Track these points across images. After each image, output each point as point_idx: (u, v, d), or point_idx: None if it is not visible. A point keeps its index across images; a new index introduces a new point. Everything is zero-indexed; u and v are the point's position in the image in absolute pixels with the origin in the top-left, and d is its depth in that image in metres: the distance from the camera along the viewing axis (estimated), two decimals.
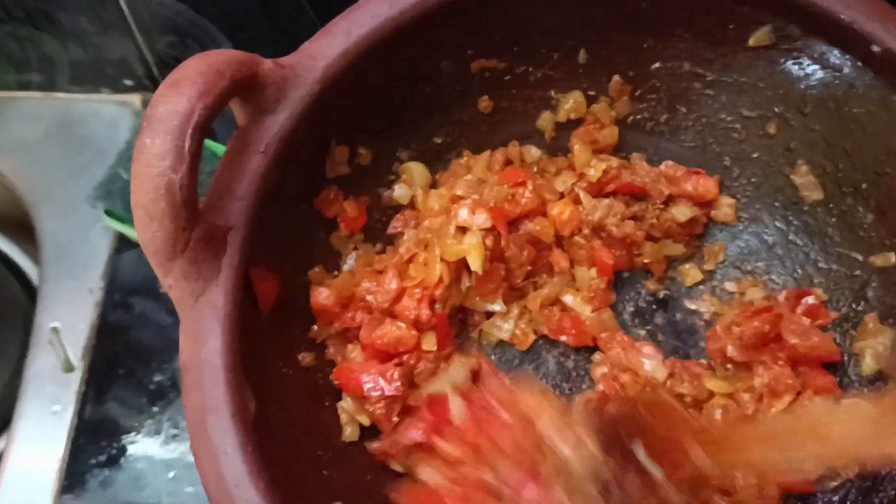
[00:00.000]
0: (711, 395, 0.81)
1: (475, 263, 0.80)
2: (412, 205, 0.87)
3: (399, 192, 0.86)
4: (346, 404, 0.79)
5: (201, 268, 0.63)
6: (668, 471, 0.68)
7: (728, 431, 0.71)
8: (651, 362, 0.82)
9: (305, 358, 0.78)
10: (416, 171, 0.86)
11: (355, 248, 0.83)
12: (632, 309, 0.89)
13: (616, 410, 0.71)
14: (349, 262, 0.83)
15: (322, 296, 0.79)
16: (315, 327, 0.80)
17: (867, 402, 0.60)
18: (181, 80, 0.59)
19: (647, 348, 0.84)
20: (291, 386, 0.74)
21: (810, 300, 0.82)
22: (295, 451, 0.70)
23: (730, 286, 0.87)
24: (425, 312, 0.79)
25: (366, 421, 0.79)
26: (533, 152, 0.89)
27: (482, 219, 0.80)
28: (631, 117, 0.88)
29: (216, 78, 0.60)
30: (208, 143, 0.95)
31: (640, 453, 0.69)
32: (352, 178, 0.81)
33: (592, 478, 0.67)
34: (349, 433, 0.78)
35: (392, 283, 0.79)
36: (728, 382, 0.81)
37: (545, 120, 0.89)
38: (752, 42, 0.79)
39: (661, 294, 0.89)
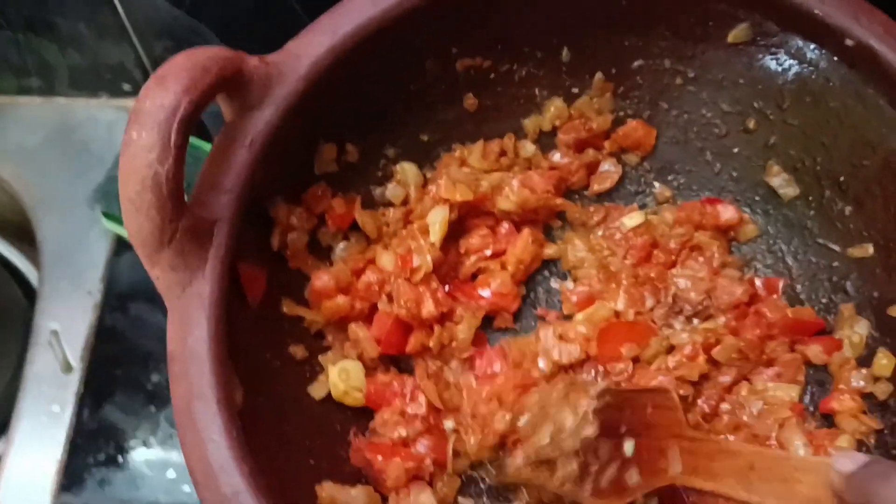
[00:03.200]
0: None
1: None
2: (405, 203, 0.88)
3: (392, 191, 0.87)
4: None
5: (188, 259, 0.64)
6: (644, 474, 0.73)
7: (711, 456, 0.72)
8: None
9: (297, 351, 0.79)
10: (409, 171, 0.87)
11: (345, 238, 0.84)
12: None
13: (626, 398, 0.74)
14: (338, 252, 0.84)
15: (321, 281, 0.80)
16: (308, 318, 0.81)
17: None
18: (167, 75, 0.61)
19: None
20: (281, 377, 0.75)
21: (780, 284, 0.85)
22: (282, 440, 0.71)
23: None
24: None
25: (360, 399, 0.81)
26: (528, 147, 0.90)
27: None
28: (614, 114, 0.89)
29: (202, 73, 0.62)
30: (199, 142, 0.96)
31: (629, 449, 0.73)
32: (340, 175, 0.82)
33: (579, 454, 0.71)
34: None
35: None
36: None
37: (532, 122, 0.90)
38: (730, 39, 0.80)
39: None
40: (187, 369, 0.63)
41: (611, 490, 0.73)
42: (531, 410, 0.75)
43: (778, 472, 0.67)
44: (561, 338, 0.83)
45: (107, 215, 1.02)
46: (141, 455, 0.96)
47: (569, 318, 0.87)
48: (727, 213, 0.86)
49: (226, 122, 0.69)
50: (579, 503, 0.73)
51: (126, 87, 1.12)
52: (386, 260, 0.83)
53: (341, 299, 0.81)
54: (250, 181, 0.68)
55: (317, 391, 0.80)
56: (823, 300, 0.84)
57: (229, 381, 0.65)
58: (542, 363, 0.82)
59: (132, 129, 0.60)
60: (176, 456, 0.95)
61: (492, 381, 0.82)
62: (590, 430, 0.71)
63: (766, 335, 0.81)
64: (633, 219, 0.88)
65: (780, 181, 0.85)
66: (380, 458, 0.77)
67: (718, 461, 0.71)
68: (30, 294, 1.15)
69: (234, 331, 0.67)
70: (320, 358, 0.81)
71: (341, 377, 0.80)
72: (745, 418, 0.79)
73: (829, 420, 0.81)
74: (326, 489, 0.72)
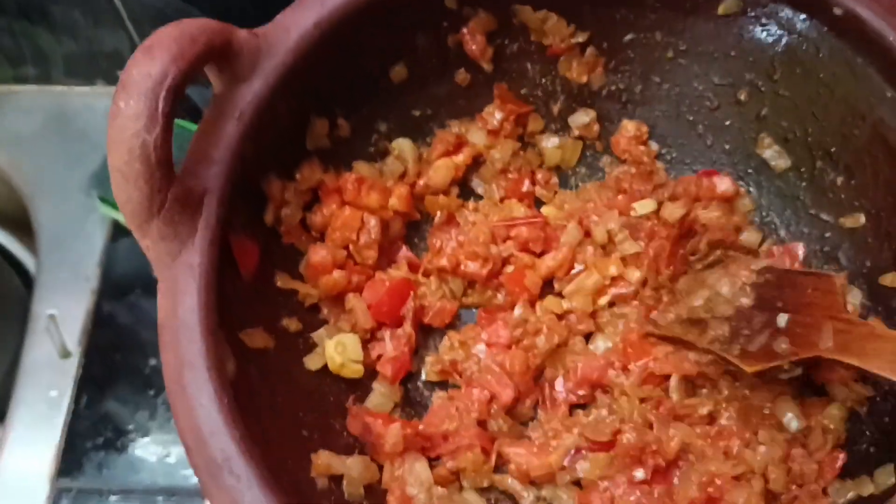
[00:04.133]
0: None
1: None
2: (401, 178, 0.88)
3: (391, 166, 0.87)
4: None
5: (178, 229, 0.64)
6: (794, 344, 0.75)
7: (864, 338, 0.72)
8: None
9: (291, 324, 0.79)
10: (405, 146, 0.88)
11: None
12: None
13: (788, 278, 0.77)
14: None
15: (318, 256, 0.80)
16: (302, 292, 0.81)
17: None
18: (154, 45, 0.61)
19: None
20: (273, 349, 0.75)
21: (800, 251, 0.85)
22: (275, 412, 0.71)
23: None
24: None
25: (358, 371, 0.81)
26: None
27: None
28: (605, 88, 0.90)
29: (189, 43, 0.62)
30: (189, 124, 0.97)
31: (782, 321, 0.75)
32: (331, 150, 0.83)
33: (731, 320, 0.77)
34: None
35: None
36: None
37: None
38: (721, 10, 0.81)
39: None
40: (178, 338, 0.64)
41: (759, 355, 0.75)
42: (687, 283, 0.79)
43: None
44: None
45: (104, 200, 1.03)
46: (139, 439, 0.95)
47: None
48: (723, 184, 0.86)
49: (214, 94, 0.70)
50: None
51: (121, 73, 1.12)
52: None
53: (338, 274, 0.81)
54: (240, 153, 0.68)
55: (313, 363, 0.80)
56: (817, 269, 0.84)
57: (220, 350, 0.65)
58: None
59: (119, 98, 0.60)
60: (174, 439, 0.95)
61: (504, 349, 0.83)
62: (745, 300, 0.76)
63: None
64: (644, 206, 0.88)
65: (772, 153, 0.85)
66: (379, 421, 0.77)
67: (870, 343, 0.71)
68: (27, 282, 1.15)
69: (226, 302, 0.67)
70: (314, 334, 0.81)
71: (338, 350, 0.80)
72: (746, 391, 0.79)
73: (818, 389, 0.81)
74: (322, 457, 0.72)
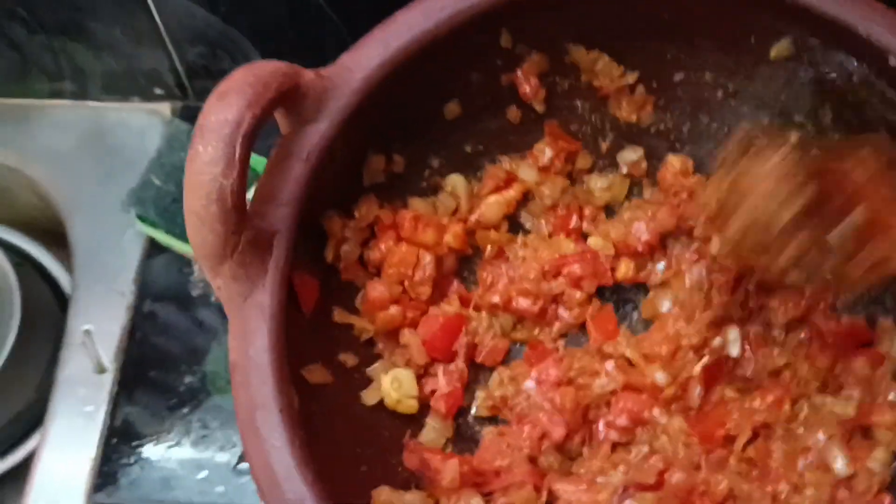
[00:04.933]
0: None
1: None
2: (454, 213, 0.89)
3: (444, 201, 0.88)
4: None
5: (249, 270, 0.65)
6: (857, 247, 0.67)
7: None
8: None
9: (348, 359, 0.80)
10: (458, 182, 0.89)
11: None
12: None
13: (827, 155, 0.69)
14: None
15: (376, 291, 0.81)
16: (358, 326, 0.82)
17: None
18: (229, 90, 0.62)
19: None
20: (332, 384, 0.77)
21: None
22: (335, 447, 0.73)
23: None
24: None
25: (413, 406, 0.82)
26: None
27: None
28: (654, 126, 0.90)
29: (263, 89, 0.63)
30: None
31: (854, 220, 0.66)
32: (386, 185, 0.84)
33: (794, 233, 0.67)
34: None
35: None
36: None
37: None
38: (773, 54, 0.81)
39: None
40: (248, 379, 0.64)
41: (852, 269, 0.67)
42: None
43: None
44: None
45: (141, 218, 1.03)
46: (174, 456, 0.96)
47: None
48: None
49: (282, 134, 0.71)
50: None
51: (158, 91, 1.13)
52: None
53: (394, 309, 0.82)
54: (306, 194, 0.69)
55: (370, 398, 0.81)
56: (861, 313, 0.84)
57: (288, 389, 0.66)
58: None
59: (197, 143, 0.61)
60: (209, 456, 0.96)
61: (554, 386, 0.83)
62: (799, 200, 0.66)
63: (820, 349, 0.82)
64: None
65: None
66: (438, 457, 0.78)
67: None
68: (61, 298, 1.16)
69: (289, 339, 0.68)
70: (369, 369, 0.82)
71: (394, 386, 0.81)
72: (800, 430, 0.80)
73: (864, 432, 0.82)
74: (383, 494, 0.73)
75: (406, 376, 0.82)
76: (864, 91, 0.79)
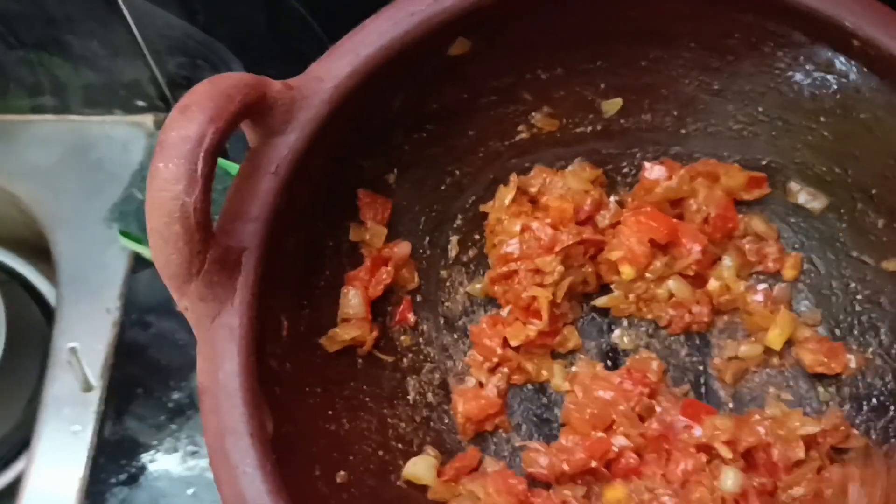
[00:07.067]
0: None
1: None
2: None
3: None
4: None
5: (216, 290, 0.63)
6: None
7: None
8: None
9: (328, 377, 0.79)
10: None
11: None
12: None
13: None
14: None
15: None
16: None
17: None
18: (191, 104, 0.60)
19: None
20: (311, 404, 0.75)
21: None
22: (311, 469, 0.71)
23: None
24: None
25: None
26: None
27: None
28: (638, 126, 0.88)
29: (226, 102, 0.60)
30: (221, 161, 0.96)
31: None
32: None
33: None
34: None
35: None
36: None
37: None
38: (756, 49, 0.79)
39: None
40: (218, 403, 0.62)
41: None
42: None
43: None
44: None
45: (124, 233, 1.02)
46: (162, 473, 0.95)
47: None
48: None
49: (250, 147, 0.69)
50: None
51: (140, 103, 1.12)
52: None
53: None
54: (276, 208, 0.67)
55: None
56: (859, 313, 0.83)
57: (260, 412, 0.64)
58: None
59: (158, 160, 0.59)
60: (197, 473, 0.94)
61: None
62: None
63: None
64: None
65: (805, 197, 0.85)
66: None
67: None
68: (48, 314, 1.15)
69: (265, 360, 0.67)
70: None
71: None
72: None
73: None
74: None
75: None
76: (853, 86, 0.77)
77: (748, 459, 0.79)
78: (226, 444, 0.62)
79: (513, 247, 0.85)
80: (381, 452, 0.79)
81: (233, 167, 0.95)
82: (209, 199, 0.60)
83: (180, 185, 0.58)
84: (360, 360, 0.82)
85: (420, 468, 0.80)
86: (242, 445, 0.61)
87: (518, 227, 0.86)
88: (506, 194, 0.87)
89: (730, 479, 0.76)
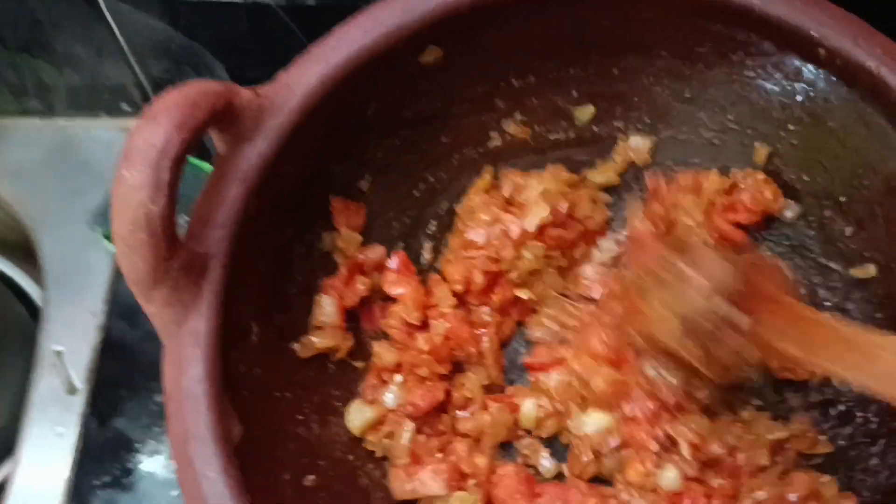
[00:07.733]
0: None
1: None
2: None
3: None
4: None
5: (183, 296, 0.64)
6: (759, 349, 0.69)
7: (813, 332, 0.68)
8: None
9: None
10: None
11: None
12: None
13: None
14: None
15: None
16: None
17: None
18: (158, 112, 0.60)
19: None
20: (281, 409, 0.75)
21: None
22: (279, 473, 0.72)
23: None
24: None
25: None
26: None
27: None
28: (611, 133, 0.89)
29: (192, 109, 0.61)
30: (201, 164, 0.96)
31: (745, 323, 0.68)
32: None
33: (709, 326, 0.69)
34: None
35: None
36: None
37: None
38: (726, 59, 0.80)
39: None
40: (182, 409, 0.63)
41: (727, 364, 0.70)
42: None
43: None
44: None
45: (108, 237, 1.02)
46: (147, 475, 0.95)
47: None
48: None
49: (218, 155, 0.69)
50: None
51: (125, 107, 1.12)
52: None
53: None
54: (244, 215, 0.68)
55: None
56: None
57: (226, 418, 0.64)
58: None
59: (123, 167, 0.60)
60: None
61: None
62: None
63: None
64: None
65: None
66: None
67: (822, 335, 0.68)
68: (34, 314, 1.15)
69: (234, 365, 0.67)
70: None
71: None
72: None
73: None
74: None
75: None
76: (822, 96, 0.78)
77: (711, 464, 0.79)
78: (189, 449, 0.62)
79: (479, 235, 0.85)
80: (350, 457, 0.80)
81: (207, 167, 0.96)
82: (174, 206, 0.60)
83: (145, 193, 0.59)
84: (331, 366, 0.82)
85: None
86: (206, 451, 0.62)
87: (489, 218, 0.86)
88: (480, 185, 0.88)
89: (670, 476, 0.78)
